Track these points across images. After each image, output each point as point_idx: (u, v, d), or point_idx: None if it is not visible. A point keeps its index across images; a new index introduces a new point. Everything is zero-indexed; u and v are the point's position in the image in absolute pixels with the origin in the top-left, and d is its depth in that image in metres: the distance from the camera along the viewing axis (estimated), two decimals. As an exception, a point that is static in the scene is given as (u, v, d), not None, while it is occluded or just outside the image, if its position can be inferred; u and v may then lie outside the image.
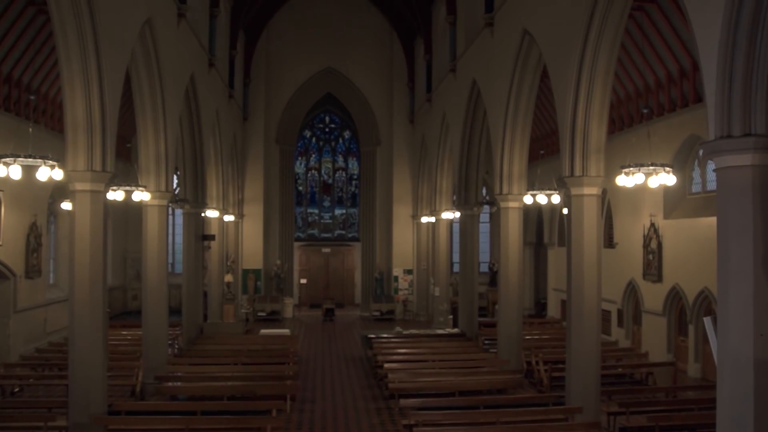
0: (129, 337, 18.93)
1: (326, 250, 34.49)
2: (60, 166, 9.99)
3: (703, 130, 16.18)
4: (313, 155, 36.02)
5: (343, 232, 35.69)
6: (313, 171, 36.04)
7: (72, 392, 10.96)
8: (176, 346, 19.09)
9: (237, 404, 12.00)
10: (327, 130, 36.21)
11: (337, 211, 35.88)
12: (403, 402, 11.76)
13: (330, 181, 36.08)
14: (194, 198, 19.53)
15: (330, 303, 28.31)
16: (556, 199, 14.54)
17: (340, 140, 36.15)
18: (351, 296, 33.91)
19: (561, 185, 12.01)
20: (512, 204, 16.12)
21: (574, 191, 11.79)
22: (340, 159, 36.16)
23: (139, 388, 14.37)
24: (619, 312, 21.05)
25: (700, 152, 7.72)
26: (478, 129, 19.86)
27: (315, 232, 35.56)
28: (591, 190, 11.74)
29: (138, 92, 14.25)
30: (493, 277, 29.05)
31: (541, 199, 14.42)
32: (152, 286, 15.21)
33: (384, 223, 31.44)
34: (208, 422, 10.55)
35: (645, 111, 12.87)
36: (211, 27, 20.88)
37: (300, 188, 35.59)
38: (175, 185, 20.82)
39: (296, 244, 33.43)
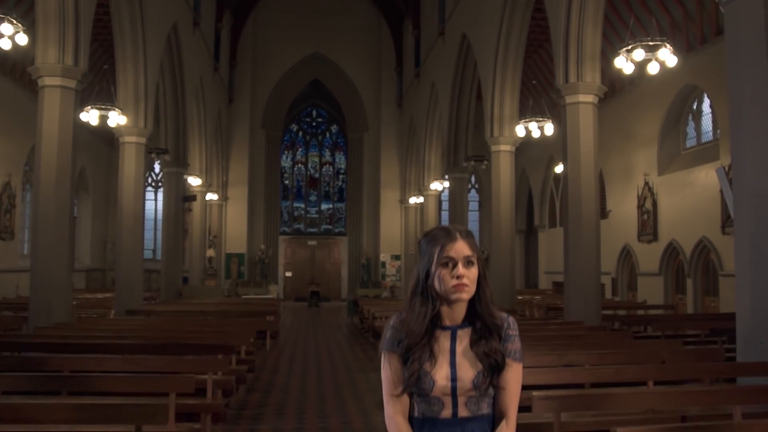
0: (104, 297, 18.07)
1: (312, 242, 33.64)
2: (25, 33, 9.31)
3: (698, 78, 16.04)
4: (300, 149, 35.44)
5: (330, 227, 34.95)
6: (299, 165, 35.41)
7: (32, 300, 10.18)
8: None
9: (213, 323, 11.21)
10: (314, 124, 35.70)
11: (324, 206, 35.20)
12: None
13: (317, 175, 35.45)
14: (175, 157, 18.88)
15: (316, 287, 27.44)
16: (549, 129, 14.00)
17: (327, 134, 35.62)
18: (337, 290, 32.96)
19: (556, 95, 11.52)
20: (504, 147, 15.60)
21: (569, 99, 11.30)
22: (327, 153, 35.59)
23: (111, 327, 13.52)
24: (614, 281, 20.47)
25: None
26: (467, 88, 19.43)
27: (301, 226, 34.79)
28: (587, 98, 11.25)
29: (117, 16, 13.68)
30: (482, 266, 28.33)
31: (534, 129, 13.86)
32: (127, 224, 14.47)
33: (372, 209, 30.79)
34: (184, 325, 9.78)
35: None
36: (196, -13, 20.54)
37: (286, 182, 34.92)
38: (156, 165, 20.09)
39: (281, 237, 32.62)
